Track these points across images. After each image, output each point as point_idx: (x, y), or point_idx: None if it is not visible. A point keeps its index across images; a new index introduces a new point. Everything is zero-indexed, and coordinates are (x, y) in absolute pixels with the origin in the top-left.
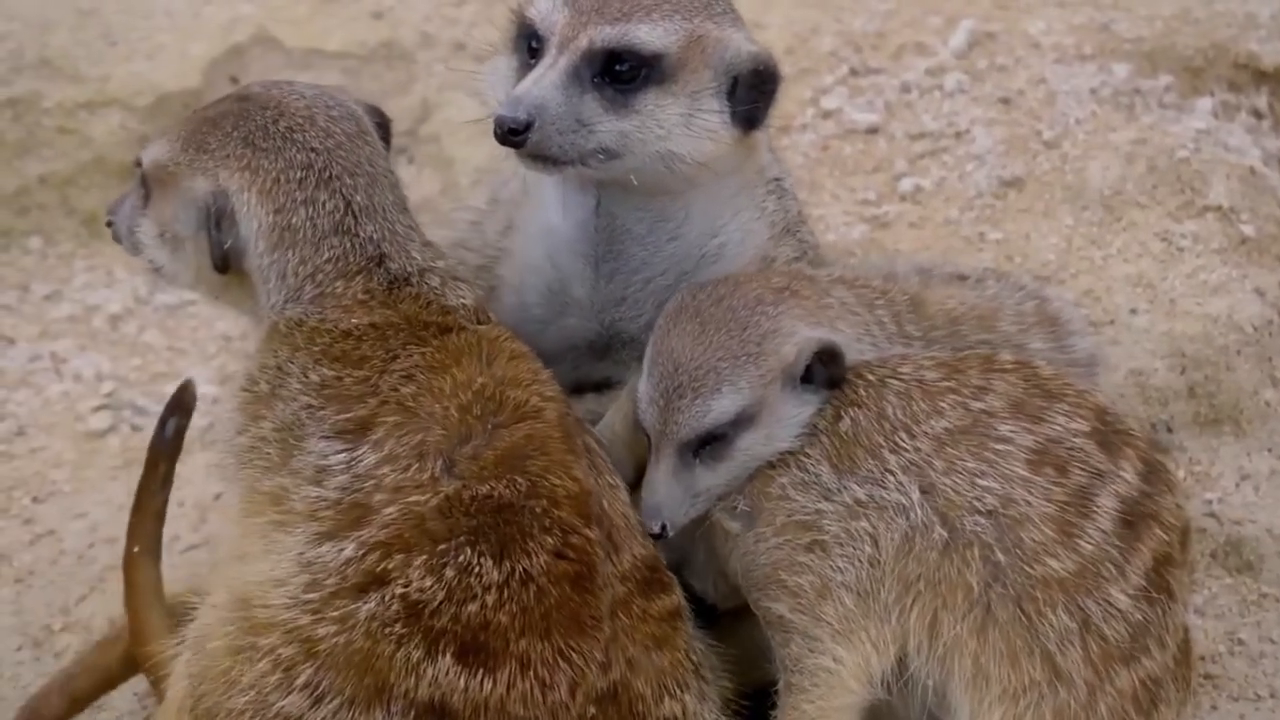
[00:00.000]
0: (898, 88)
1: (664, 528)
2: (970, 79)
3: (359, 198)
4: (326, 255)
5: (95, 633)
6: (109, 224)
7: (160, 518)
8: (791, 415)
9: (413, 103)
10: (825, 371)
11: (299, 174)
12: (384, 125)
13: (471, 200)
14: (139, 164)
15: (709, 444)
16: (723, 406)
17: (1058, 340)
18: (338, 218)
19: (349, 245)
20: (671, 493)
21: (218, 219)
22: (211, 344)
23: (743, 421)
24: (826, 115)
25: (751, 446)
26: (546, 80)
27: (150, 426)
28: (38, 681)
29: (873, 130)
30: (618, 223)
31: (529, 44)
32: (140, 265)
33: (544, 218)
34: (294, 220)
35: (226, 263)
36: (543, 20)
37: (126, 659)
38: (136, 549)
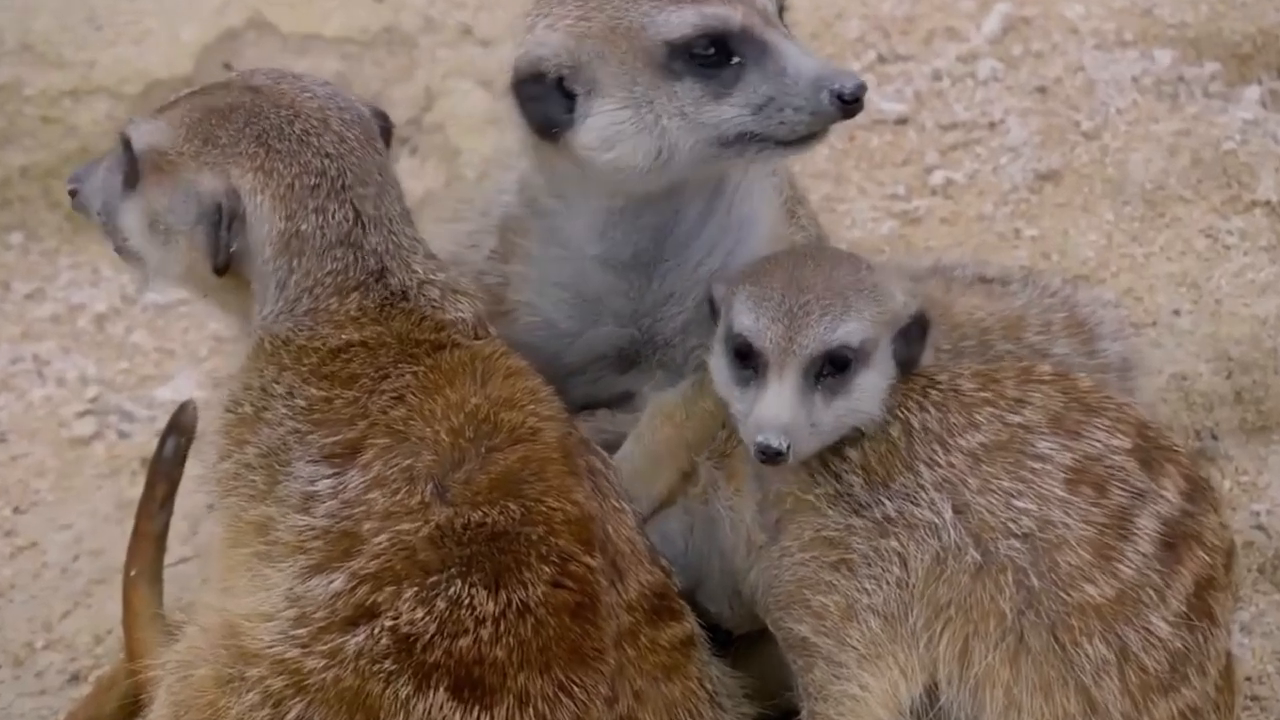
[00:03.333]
0: (928, 75)
1: (787, 448)
2: (1005, 66)
3: (369, 208)
4: (329, 267)
5: (79, 651)
6: (72, 192)
7: (160, 541)
8: (885, 379)
9: (415, 91)
10: (907, 348)
11: (313, 180)
12: (387, 129)
13: (468, 211)
14: (127, 143)
15: (829, 375)
16: (850, 329)
17: (1086, 345)
18: (346, 229)
19: (352, 258)
20: (797, 413)
21: (229, 220)
22: (203, 345)
23: (862, 357)
24: None
25: (867, 388)
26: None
27: (138, 433)
28: (18, 702)
29: (902, 120)
30: (659, 227)
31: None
32: (111, 249)
33: (567, 240)
34: (303, 228)
35: (227, 265)
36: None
37: (124, 703)
38: (134, 572)
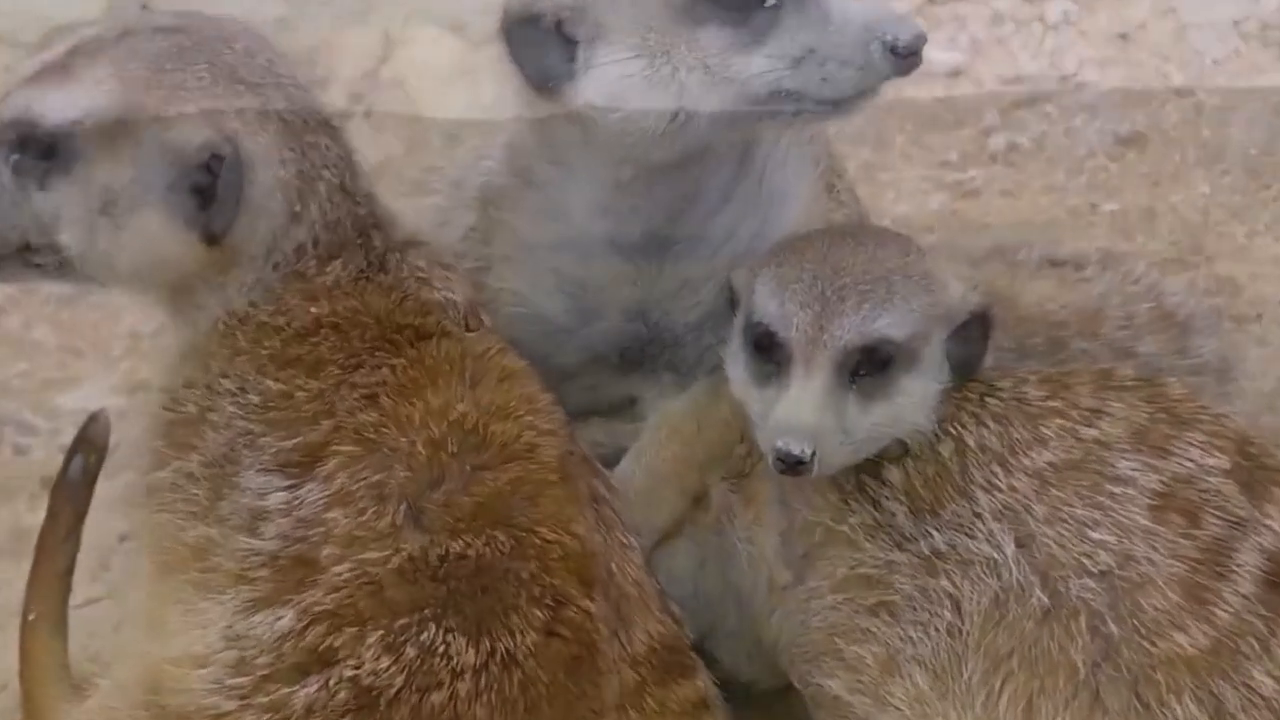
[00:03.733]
0: (987, 19)
1: (811, 456)
2: (1079, 8)
3: (350, 144)
4: (329, 216)
5: None
6: None
7: (64, 578)
8: (935, 384)
9: (370, 39)
10: (964, 349)
11: (301, 117)
12: None
13: (437, 182)
14: (30, 124)
15: (868, 373)
16: (892, 320)
17: (1177, 343)
18: (341, 168)
19: (346, 208)
20: (824, 415)
21: (238, 172)
22: (117, 343)
23: (906, 356)
24: None
25: (911, 393)
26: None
27: (38, 448)
28: None
29: (955, 73)
30: (674, 202)
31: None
32: None
33: (565, 216)
34: (305, 169)
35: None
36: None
37: None
38: (34, 616)
